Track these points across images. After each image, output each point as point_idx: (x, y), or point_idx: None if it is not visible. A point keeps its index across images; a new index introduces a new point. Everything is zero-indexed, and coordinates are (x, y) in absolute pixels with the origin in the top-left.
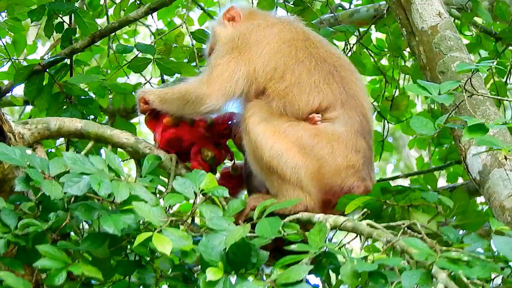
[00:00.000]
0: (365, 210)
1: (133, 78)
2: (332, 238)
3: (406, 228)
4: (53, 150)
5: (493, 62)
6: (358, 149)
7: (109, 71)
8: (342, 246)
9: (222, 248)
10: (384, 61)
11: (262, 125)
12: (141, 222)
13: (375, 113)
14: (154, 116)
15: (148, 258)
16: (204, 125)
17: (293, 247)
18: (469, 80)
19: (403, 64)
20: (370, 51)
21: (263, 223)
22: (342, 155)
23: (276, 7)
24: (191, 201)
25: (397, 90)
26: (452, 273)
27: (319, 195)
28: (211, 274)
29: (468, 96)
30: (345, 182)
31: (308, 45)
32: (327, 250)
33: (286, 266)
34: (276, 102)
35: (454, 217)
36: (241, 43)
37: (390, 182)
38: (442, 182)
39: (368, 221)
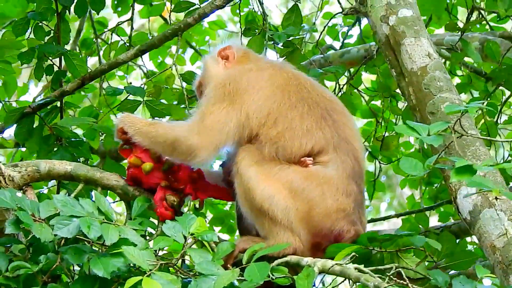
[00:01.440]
0: (353, 254)
1: None
2: (322, 280)
3: (394, 273)
4: (45, 191)
5: (483, 103)
6: (349, 193)
7: (102, 111)
8: None
9: None
10: (377, 102)
11: (254, 168)
12: (131, 265)
13: (367, 153)
14: (129, 143)
15: None
16: (161, 169)
17: None
18: (458, 121)
19: (394, 104)
20: (360, 92)
21: (252, 268)
22: (332, 198)
23: (266, 48)
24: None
25: (388, 131)
26: None
27: (309, 238)
28: None
29: (457, 137)
30: (335, 225)
31: (300, 89)
32: None
33: None
34: (268, 147)
35: (443, 259)
36: (232, 88)
37: (382, 222)
38: (433, 222)
39: (356, 265)
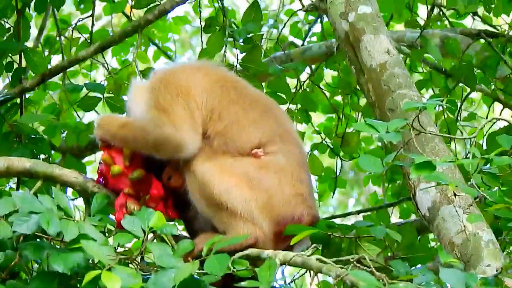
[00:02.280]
0: (314, 245)
1: (90, 115)
2: (283, 272)
3: (355, 262)
4: (7, 189)
5: (442, 100)
6: (302, 180)
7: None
8: (293, 281)
9: (171, 285)
10: (339, 98)
11: (207, 163)
12: (90, 260)
13: (328, 150)
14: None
15: None
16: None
17: (243, 284)
18: (416, 118)
19: (355, 101)
20: (321, 88)
21: (211, 260)
22: (289, 185)
23: (226, 45)
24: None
25: (349, 127)
26: None
27: (271, 227)
28: None
29: (416, 134)
30: (295, 210)
31: (237, 86)
32: (277, 286)
33: None
34: (217, 141)
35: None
36: (170, 85)
37: (349, 218)
38: (395, 219)
39: (317, 256)
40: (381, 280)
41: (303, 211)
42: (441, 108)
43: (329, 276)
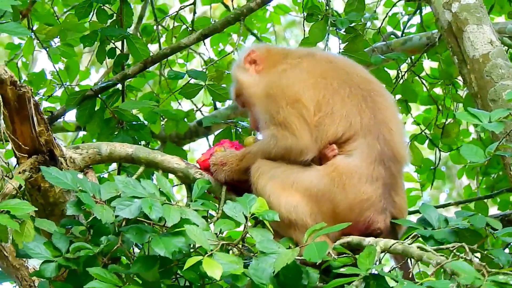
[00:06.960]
0: (415, 234)
1: (186, 104)
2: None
3: (456, 251)
4: (105, 175)
5: None
6: (375, 177)
7: (161, 97)
8: (393, 270)
9: (272, 271)
10: (438, 90)
11: (270, 183)
12: (191, 246)
13: (427, 141)
14: None
15: (198, 284)
16: None
17: (342, 270)
18: None
19: (455, 92)
20: (422, 79)
21: (311, 247)
22: (354, 191)
23: (328, 34)
24: (242, 227)
25: (449, 118)
26: None
27: (338, 235)
28: None
29: None
30: (360, 217)
31: (340, 73)
32: (376, 273)
33: None
34: (314, 134)
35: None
36: (277, 97)
37: (441, 210)
38: (493, 211)
39: (418, 244)
40: (480, 271)
41: (370, 216)
42: None
43: (429, 266)
